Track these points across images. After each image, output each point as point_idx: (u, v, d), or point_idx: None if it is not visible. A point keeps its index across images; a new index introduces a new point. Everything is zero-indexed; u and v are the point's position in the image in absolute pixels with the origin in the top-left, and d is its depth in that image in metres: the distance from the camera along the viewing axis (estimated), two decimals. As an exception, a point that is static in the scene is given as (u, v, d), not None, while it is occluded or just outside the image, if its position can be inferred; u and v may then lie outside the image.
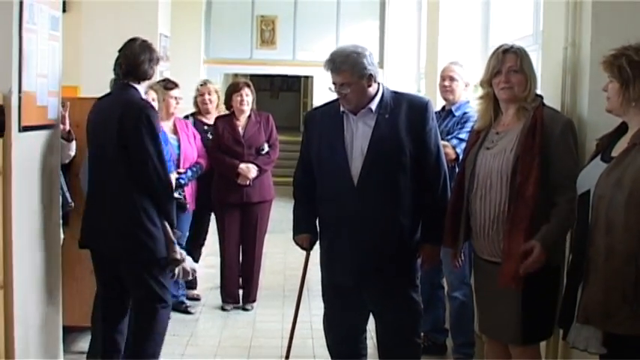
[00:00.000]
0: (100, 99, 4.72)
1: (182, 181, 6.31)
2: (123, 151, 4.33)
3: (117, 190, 4.40)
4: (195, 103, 7.05)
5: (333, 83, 4.04)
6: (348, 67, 3.97)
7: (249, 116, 6.79)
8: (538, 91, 3.87)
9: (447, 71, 5.46)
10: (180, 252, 4.58)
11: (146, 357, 4.53)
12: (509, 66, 3.76)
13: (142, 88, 4.61)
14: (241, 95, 6.74)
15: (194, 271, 4.81)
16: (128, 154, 4.34)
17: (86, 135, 4.68)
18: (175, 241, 4.55)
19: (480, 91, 4.01)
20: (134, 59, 4.55)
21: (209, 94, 6.98)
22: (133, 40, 4.66)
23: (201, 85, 7.07)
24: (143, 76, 4.57)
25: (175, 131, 6.44)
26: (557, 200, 3.58)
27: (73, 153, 5.11)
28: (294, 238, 4.37)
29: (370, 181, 3.99)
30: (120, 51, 4.62)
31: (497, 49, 3.87)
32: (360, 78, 3.99)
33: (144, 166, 4.35)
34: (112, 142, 4.34)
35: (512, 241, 3.58)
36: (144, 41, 4.67)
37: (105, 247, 4.49)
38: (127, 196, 4.36)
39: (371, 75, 4.03)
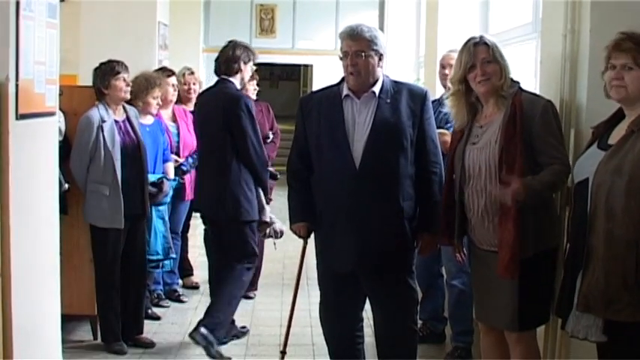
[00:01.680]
0: (203, 93, 5.90)
1: (184, 168, 6.33)
2: (227, 132, 5.27)
3: (222, 164, 5.31)
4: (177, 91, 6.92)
5: (345, 52, 4.04)
6: (368, 36, 4.01)
7: None
8: (532, 78, 3.84)
9: (447, 59, 5.43)
10: (270, 216, 5.58)
11: (223, 302, 5.42)
12: (482, 58, 3.74)
13: (236, 80, 5.47)
14: (253, 85, 6.76)
15: (282, 232, 5.70)
16: (231, 135, 5.27)
17: (195, 123, 5.84)
18: (266, 206, 5.55)
19: (450, 90, 3.98)
20: (224, 57, 5.47)
21: (194, 83, 6.95)
22: (230, 42, 5.58)
23: (189, 74, 6.99)
24: (233, 71, 5.45)
25: (174, 119, 6.43)
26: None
27: (62, 125, 5.10)
28: (291, 227, 4.36)
29: (372, 164, 3.99)
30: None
31: (466, 43, 3.84)
32: (375, 53, 4.03)
33: (244, 144, 5.28)
34: (219, 126, 5.30)
35: (503, 231, 3.58)
36: (238, 42, 5.57)
37: (211, 210, 5.48)
38: (230, 168, 5.29)
39: (382, 56, 4.07)
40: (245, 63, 5.50)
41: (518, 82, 3.82)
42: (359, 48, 4.00)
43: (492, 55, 3.74)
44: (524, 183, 3.48)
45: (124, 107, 5.41)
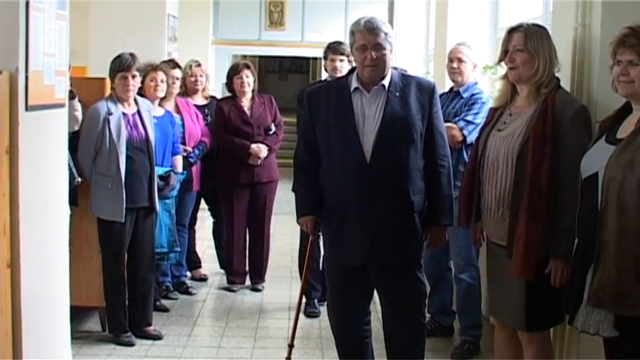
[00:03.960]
0: None
1: (191, 160, 6.34)
2: None
3: None
4: (183, 84, 6.87)
5: (363, 46, 4.01)
6: (385, 30, 4.01)
7: (252, 97, 6.79)
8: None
9: (455, 53, 5.40)
10: None
11: None
12: (514, 45, 3.71)
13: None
14: (241, 77, 6.72)
15: None
16: None
17: None
18: None
19: (502, 70, 3.98)
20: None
21: (200, 76, 6.96)
22: None
23: (196, 66, 6.99)
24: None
25: (178, 110, 6.42)
26: (562, 193, 3.53)
27: (79, 114, 5.12)
28: (297, 221, 4.35)
29: (383, 158, 3.98)
30: None
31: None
32: (390, 46, 4.03)
33: None
34: None
35: (529, 231, 3.53)
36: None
37: None
38: None
39: (392, 50, 4.07)
40: (324, 59, 6.12)
41: (557, 79, 3.75)
42: (378, 41, 3.98)
43: (524, 43, 3.68)
44: (560, 257, 3.51)
45: (135, 100, 5.42)
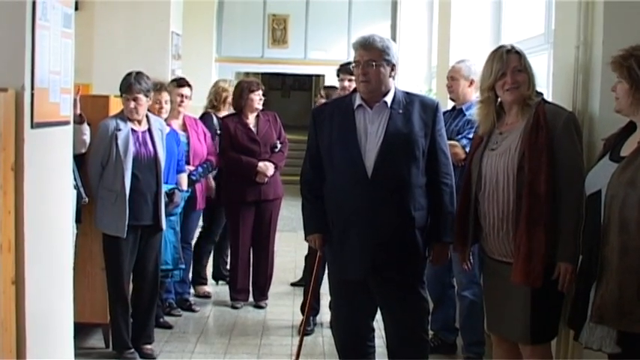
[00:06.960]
0: None
1: (193, 178, 6.33)
2: None
3: None
4: (215, 99, 7.16)
5: (357, 62, 4.06)
6: (380, 46, 4.04)
7: (257, 115, 6.82)
8: (545, 90, 3.85)
9: (450, 71, 5.48)
10: None
11: None
12: (513, 66, 3.75)
13: None
14: (259, 94, 6.79)
15: None
16: None
17: None
18: None
19: (479, 96, 4.01)
20: None
21: (225, 91, 7.14)
22: None
23: (224, 82, 7.19)
24: None
25: (185, 128, 6.44)
26: (562, 198, 3.57)
27: (87, 138, 5.14)
28: (305, 239, 4.36)
29: (384, 173, 4.00)
30: None
31: (497, 50, 3.85)
32: (387, 63, 4.06)
33: None
34: None
35: (533, 240, 3.56)
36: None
37: None
38: None
39: (394, 66, 4.10)
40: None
41: (541, 94, 3.84)
42: (371, 57, 4.03)
43: (523, 64, 3.77)
44: (566, 260, 3.54)
45: (147, 118, 5.43)
